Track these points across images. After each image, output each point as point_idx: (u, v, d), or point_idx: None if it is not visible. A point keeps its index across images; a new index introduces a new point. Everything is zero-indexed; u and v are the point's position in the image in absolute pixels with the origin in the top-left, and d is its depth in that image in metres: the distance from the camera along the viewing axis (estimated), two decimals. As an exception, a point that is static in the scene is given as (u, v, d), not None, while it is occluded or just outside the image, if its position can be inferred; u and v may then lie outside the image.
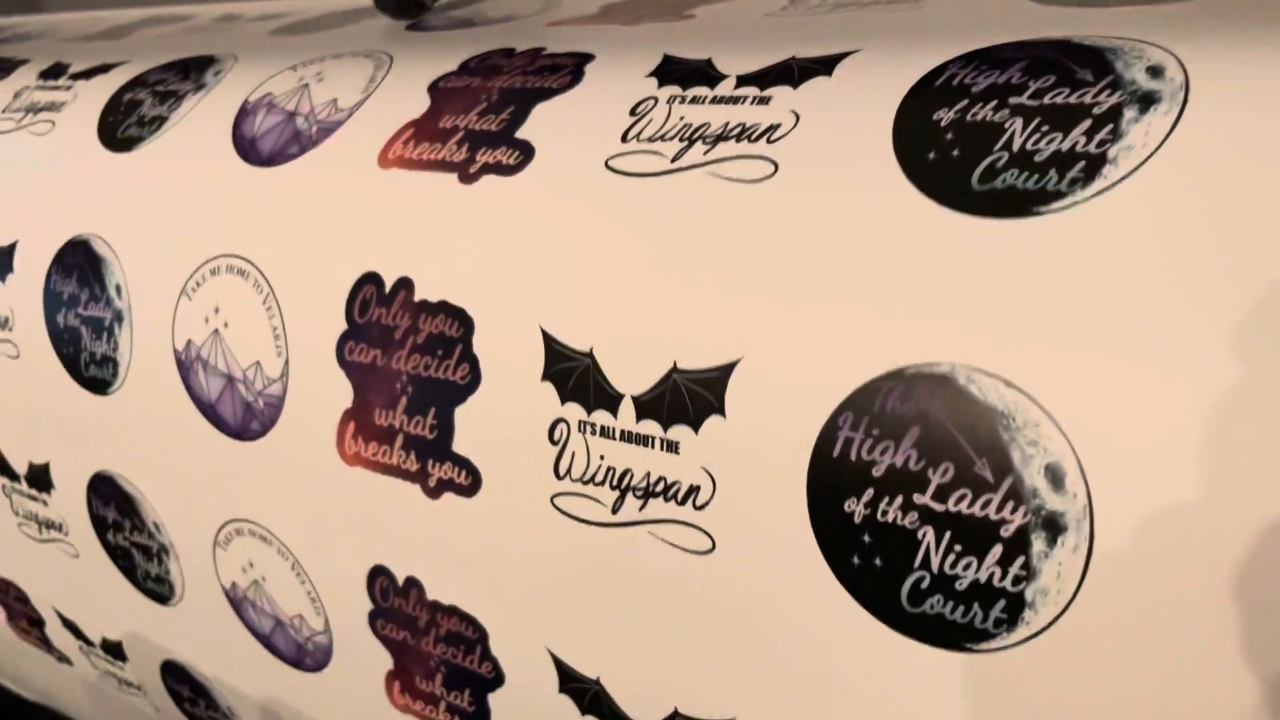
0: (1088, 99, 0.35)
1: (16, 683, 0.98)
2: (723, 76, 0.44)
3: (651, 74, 0.46)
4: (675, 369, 0.39)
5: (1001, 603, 0.33)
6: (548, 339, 0.43)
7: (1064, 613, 0.32)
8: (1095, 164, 0.34)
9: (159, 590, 0.65)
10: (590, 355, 0.41)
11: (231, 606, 0.60)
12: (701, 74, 0.44)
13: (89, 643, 0.75)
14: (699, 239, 0.40)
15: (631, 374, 0.41)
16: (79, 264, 0.61)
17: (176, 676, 0.69)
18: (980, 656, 0.34)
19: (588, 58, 0.49)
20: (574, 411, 0.42)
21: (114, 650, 0.73)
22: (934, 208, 0.36)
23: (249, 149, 0.55)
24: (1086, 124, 0.34)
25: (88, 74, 0.69)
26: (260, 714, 0.64)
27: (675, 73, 0.45)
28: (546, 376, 0.43)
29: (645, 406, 0.40)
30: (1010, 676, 0.33)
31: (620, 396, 0.41)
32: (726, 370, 0.38)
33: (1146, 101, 0.34)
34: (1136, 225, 0.33)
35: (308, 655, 0.57)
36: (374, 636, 0.52)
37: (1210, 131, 0.33)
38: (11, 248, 0.65)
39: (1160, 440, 0.31)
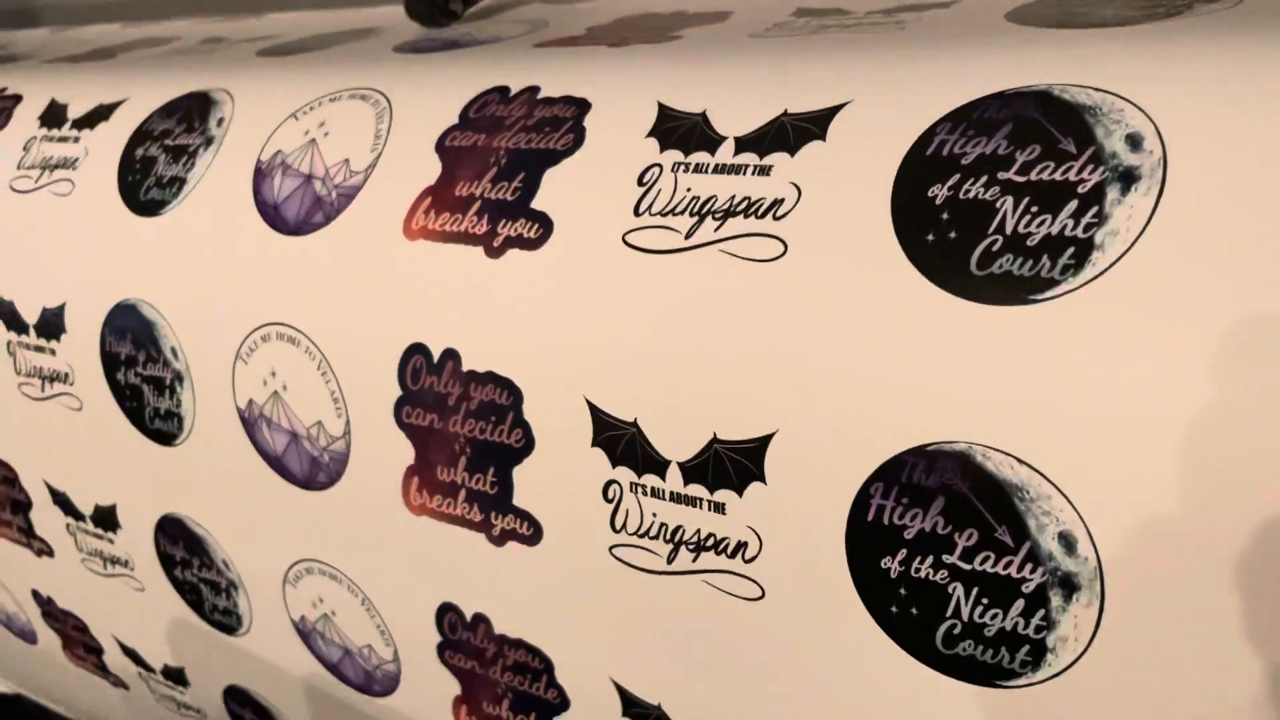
0: (1072, 175, 0.37)
1: (64, 705, 1.05)
2: (721, 139, 0.45)
3: (650, 134, 0.47)
4: (716, 439, 0.43)
5: (1026, 647, 0.38)
6: (593, 409, 0.46)
7: (1082, 656, 0.37)
8: (1084, 249, 0.36)
9: (227, 622, 0.71)
10: (635, 425, 0.45)
11: (300, 638, 0.66)
12: (700, 135, 0.46)
13: (149, 669, 0.82)
14: (723, 320, 0.43)
15: (676, 442, 0.44)
16: (130, 327, 0.64)
17: (239, 700, 0.76)
18: (1009, 692, 0.39)
19: (584, 106, 0.51)
20: (625, 474, 0.46)
21: (175, 676, 0.80)
22: (939, 294, 0.38)
23: (275, 217, 0.58)
24: (1073, 205, 0.37)
25: (89, 121, 0.70)
26: None
27: (674, 133, 0.47)
28: (596, 443, 0.46)
29: (691, 472, 0.44)
30: (1036, 710, 0.39)
31: (667, 462, 0.45)
32: (764, 441, 0.42)
33: (1128, 179, 0.36)
34: (1126, 309, 0.35)
35: (376, 682, 0.63)
36: (443, 665, 0.58)
37: (1189, 212, 0.35)
38: (61, 309, 0.68)
39: (1162, 509, 0.35)
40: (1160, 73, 0.39)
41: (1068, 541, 0.36)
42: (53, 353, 0.70)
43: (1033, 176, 0.38)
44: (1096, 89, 0.39)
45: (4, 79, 0.81)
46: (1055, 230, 0.37)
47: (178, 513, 0.68)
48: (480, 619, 0.55)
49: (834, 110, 0.44)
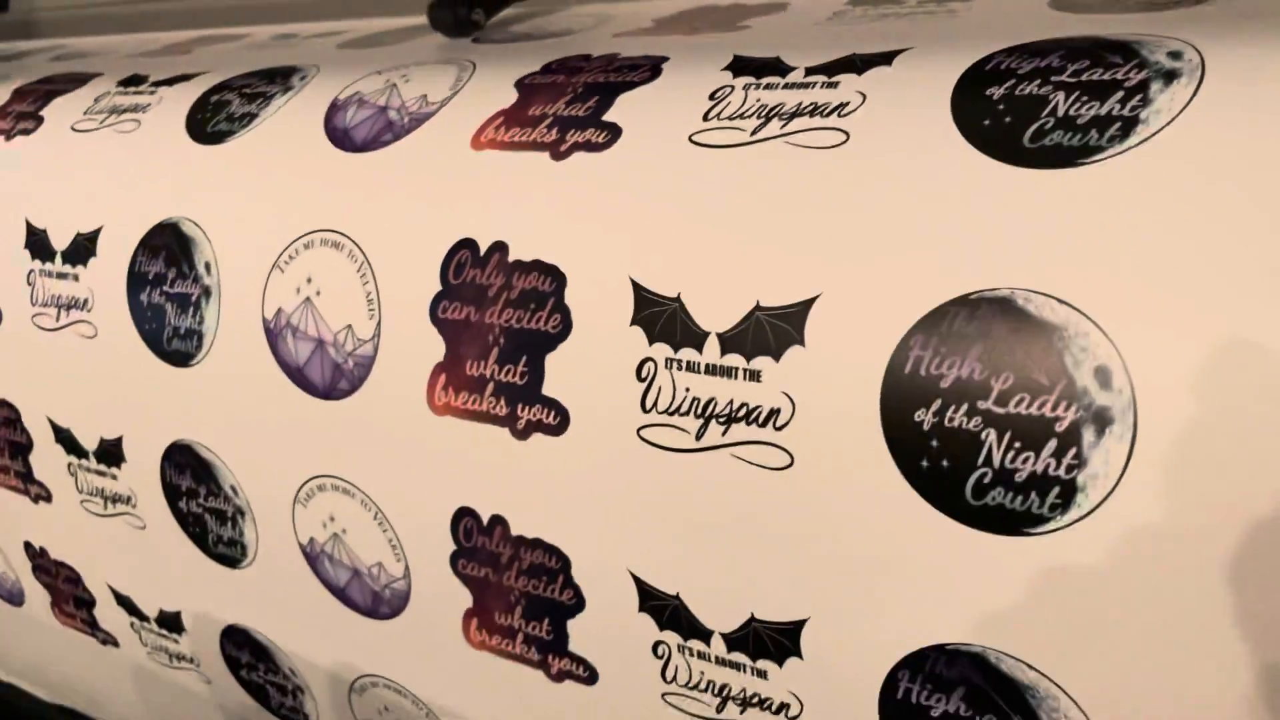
0: (1119, 75, 0.42)
1: (33, 679, 0.99)
2: (792, 68, 0.50)
3: (726, 68, 0.52)
4: (758, 307, 0.45)
5: (1056, 489, 0.38)
6: (637, 287, 0.48)
7: (1112, 491, 0.38)
8: (1129, 124, 0.40)
9: (230, 554, 0.68)
10: (678, 300, 0.47)
11: (307, 562, 0.64)
12: (772, 67, 0.51)
13: (143, 618, 0.78)
14: (779, 197, 0.46)
15: (716, 314, 0.46)
16: (167, 244, 0.65)
17: (236, 641, 0.72)
18: (1037, 539, 0.39)
19: (663, 59, 0.56)
20: (661, 350, 0.47)
21: (170, 623, 0.76)
22: (991, 163, 0.42)
23: (342, 138, 0.61)
24: (1119, 94, 0.41)
25: (170, 81, 0.74)
26: (327, 669, 0.67)
27: (748, 66, 0.51)
28: (635, 321, 0.48)
29: (729, 342, 0.46)
30: (1064, 554, 0.39)
31: (706, 334, 0.46)
32: (806, 305, 0.44)
33: (1169, 77, 0.41)
34: (1165, 173, 0.39)
35: (384, 603, 0.61)
36: (455, 576, 0.56)
37: (1225, 98, 0.40)
38: (96, 233, 0.69)
39: (1195, 344, 0.37)
40: (1203, 29, 0.44)
41: (1103, 375, 0.38)
42: (75, 278, 0.70)
43: (1083, 78, 0.42)
44: (1142, 33, 0.44)
45: (80, 65, 0.86)
46: (1103, 112, 0.41)
47: (187, 439, 0.67)
48: (497, 521, 0.54)
49: (900, 50, 0.49)
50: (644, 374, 0.48)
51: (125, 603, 0.79)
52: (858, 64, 0.48)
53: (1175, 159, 0.39)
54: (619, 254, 0.49)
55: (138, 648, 0.81)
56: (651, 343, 0.47)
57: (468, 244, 0.53)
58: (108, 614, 0.81)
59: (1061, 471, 0.38)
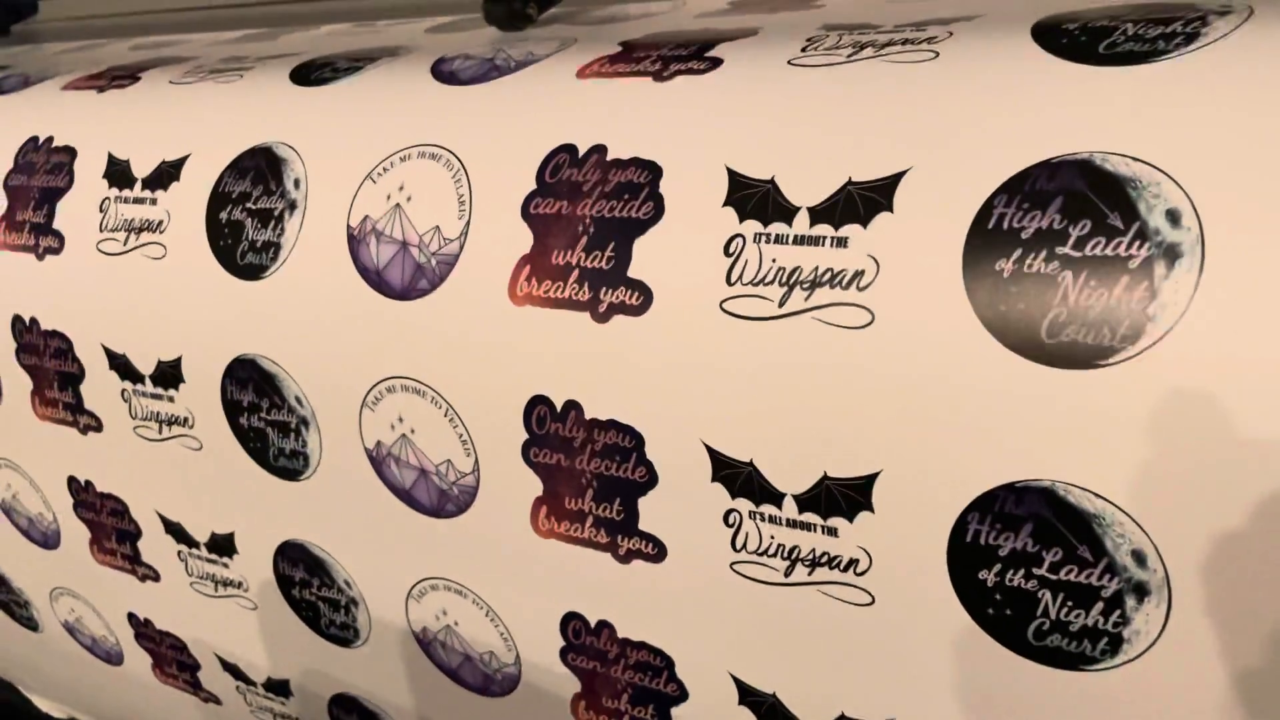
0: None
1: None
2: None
3: (726, 203, 0.52)
4: (850, 182, 0.49)
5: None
6: (731, 173, 0.52)
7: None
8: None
9: (291, 466, 0.70)
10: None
11: (372, 466, 0.65)
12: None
13: (193, 543, 0.79)
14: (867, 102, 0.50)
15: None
16: (256, 164, 0.68)
17: (291, 558, 0.74)
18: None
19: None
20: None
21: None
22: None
23: (448, 77, 0.65)
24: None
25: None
26: (385, 576, 0.69)
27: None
28: (728, 203, 0.52)
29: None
30: (1133, 386, 0.42)
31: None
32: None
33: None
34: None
35: (450, 501, 0.63)
36: (525, 465, 0.59)
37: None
38: (182, 160, 0.73)
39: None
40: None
41: (1174, 216, 0.42)
42: (153, 202, 0.73)
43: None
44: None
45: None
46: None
47: (250, 353, 0.69)
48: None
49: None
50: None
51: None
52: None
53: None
54: (716, 145, 0.53)
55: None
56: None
57: (567, 149, 0.57)
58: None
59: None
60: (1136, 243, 0.43)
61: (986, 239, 0.45)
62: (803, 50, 0.55)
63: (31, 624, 1.04)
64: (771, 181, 0.51)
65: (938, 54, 0.51)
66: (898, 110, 0.50)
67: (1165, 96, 0.45)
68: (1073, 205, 0.44)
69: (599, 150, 0.57)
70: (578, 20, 0.73)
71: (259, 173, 0.69)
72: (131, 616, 0.90)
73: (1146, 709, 0.45)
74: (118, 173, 0.76)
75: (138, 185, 0.75)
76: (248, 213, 0.68)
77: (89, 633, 0.97)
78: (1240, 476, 0.41)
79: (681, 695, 0.59)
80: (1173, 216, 0.42)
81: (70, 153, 0.80)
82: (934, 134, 0.48)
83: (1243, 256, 0.41)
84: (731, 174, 0.52)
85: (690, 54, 0.59)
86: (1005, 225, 0.45)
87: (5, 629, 1.06)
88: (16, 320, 0.82)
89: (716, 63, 0.57)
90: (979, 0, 0.59)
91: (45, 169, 0.81)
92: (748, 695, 0.56)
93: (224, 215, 0.70)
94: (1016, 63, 0.49)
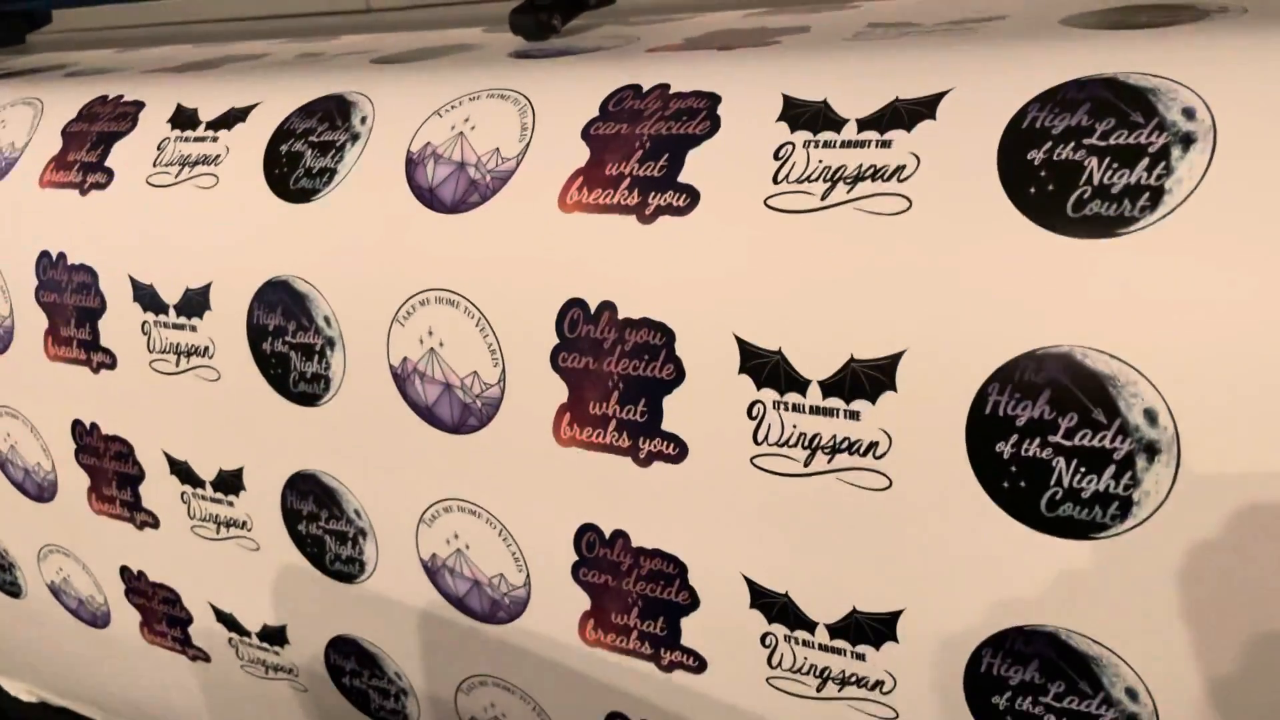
0: (1142, 139, 0.47)
1: (99, 706, 1.02)
2: (844, 120, 0.54)
3: (780, 118, 0.56)
4: (853, 359, 0.52)
5: (1115, 504, 0.48)
6: (741, 342, 0.55)
7: (1160, 506, 0.47)
8: (1156, 194, 0.47)
9: (347, 570, 0.73)
10: (779, 353, 0.54)
11: (427, 575, 0.70)
12: (824, 119, 0.55)
13: (243, 632, 0.82)
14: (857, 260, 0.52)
15: (816, 364, 0.53)
16: (281, 300, 0.70)
17: (343, 651, 0.77)
18: (1101, 541, 0.49)
19: (714, 99, 0.59)
20: (769, 394, 0.54)
21: (273, 636, 0.81)
22: (1040, 232, 0.48)
23: (429, 198, 0.64)
24: (1145, 161, 0.47)
25: (226, 123, 0.75)
26: (437, 671, 0.72)
27: (800, 117, 0.55)
28: (743, 370, 0.55)
29: (830, 388, 0.53)
30: (1126, 553, 0.48)
31: (808, 382, 0.53)
32: (896, 358, 0.51)
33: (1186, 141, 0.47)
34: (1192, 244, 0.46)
35: (501, 609, 0.68)
36: (575, 583, 0.63)
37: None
38: (206, 288, 0.73)
39: (1238, 393, 0.45)
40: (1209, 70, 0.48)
41: (1151, 415, 0.47)
42: (193, 329, 0.74)
43: (1112, 141, 0.48)
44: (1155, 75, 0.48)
45: (105, 85, 0.86)
46: (1133, 180, 0.47)
47: (311, 468, 0.72)
48: (619, 534, 0.61)
49: (939, 95, 0.53)
50: (754, 413, 0.55)
51: (225, 619, 0.82)
52: (904, 116, 0.53)
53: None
54: (723, 312, 0.55)
55: (231, 662, 0.85)
56: (759, 388, 0.55)
57: (578, 303, 0.59)
58: (204, 629, 0.85)
59: (1119, 490, 0.48)
60: (1119, 437, 0.47)
61: (984, 421, 0.50)
62: (775, 179, 0.55)
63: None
64: (779, 353, 0.54)
65: (910, 203, 0.52)
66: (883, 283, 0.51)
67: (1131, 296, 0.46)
68: (1058, 401, 0.48)
69: (609, 308, 0.59)
70: (599, 31, 0.73)
71: (286, 309, 0.69)
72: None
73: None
74: (148, 297, 0.76)
75: (171, 311, 0.75)
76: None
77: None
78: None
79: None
80: (1149, 415, 0.47)
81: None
82: (923, 314, 0.50)
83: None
84: (740, 342, 0.55)
85: (663, 177, 0.58)
86: (1000, 413, 0.49)
87: (-17, 599, 1.05)
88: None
89: (695, 197, 0.57)
90: (921, 52, 0.58)
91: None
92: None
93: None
94: (991, 227, 0.49)
